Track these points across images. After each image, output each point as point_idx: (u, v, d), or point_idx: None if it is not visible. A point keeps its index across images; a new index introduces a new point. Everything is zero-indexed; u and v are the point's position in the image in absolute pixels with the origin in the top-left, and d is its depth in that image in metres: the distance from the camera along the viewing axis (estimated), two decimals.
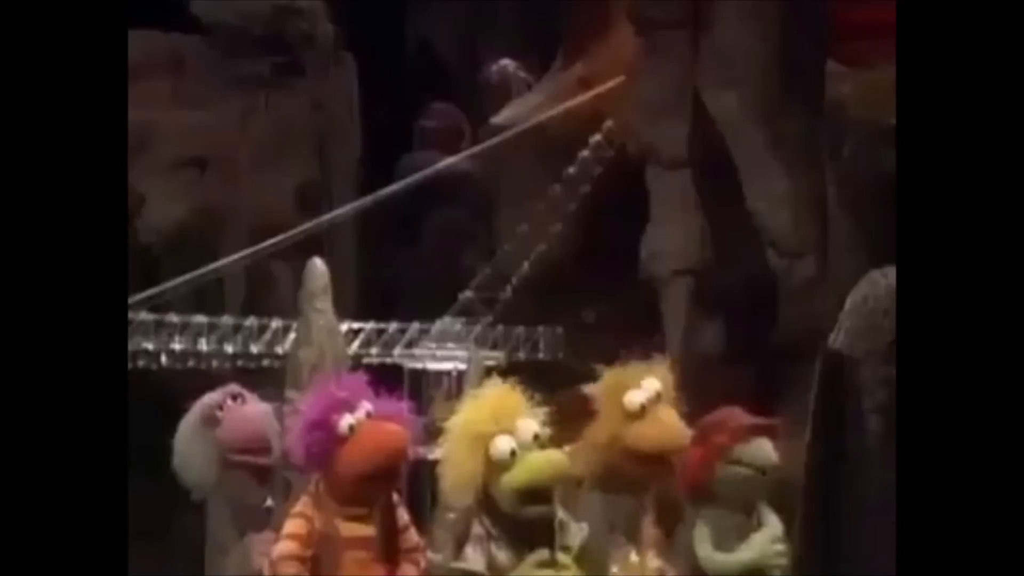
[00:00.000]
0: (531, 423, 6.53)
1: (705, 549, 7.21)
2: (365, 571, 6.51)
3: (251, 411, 7.44)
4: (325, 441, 6.52)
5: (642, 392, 7.00)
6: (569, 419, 6.97)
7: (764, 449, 7.36)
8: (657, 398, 7.00)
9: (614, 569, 6.76)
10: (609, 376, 7.09)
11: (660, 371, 7.10)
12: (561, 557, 6.50)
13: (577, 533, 6.62)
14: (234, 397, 7.48)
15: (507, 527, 6.47)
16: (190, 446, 7.40)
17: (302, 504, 6.60)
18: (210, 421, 7.36)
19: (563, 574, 6.47)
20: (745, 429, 7.34)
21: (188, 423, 7.46)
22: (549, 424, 6.65)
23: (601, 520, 6.81)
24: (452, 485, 6.59)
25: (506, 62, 18.31)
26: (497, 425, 6.49)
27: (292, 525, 6.56)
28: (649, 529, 6.95)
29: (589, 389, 7.09)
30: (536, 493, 6.44)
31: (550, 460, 6.51)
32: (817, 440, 5.27)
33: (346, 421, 6.53)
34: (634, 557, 6.82)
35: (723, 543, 7.20)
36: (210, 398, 7.49)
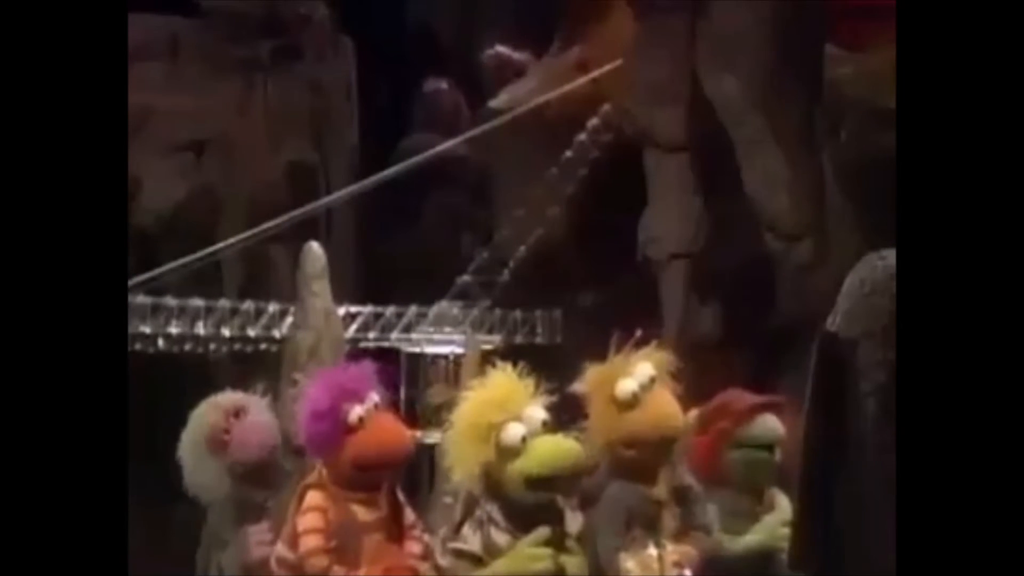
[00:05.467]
0: (538, 410, 6.50)
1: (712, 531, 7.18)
2: (383, 552, 6.52)
3: (256, 426, 7.39)
4: (333, 430, 6.53)
5: (634, 380, 6.81)
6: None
7: (768, 425, 7.30)
8: (651, 384, 6.83)
9: (630, 564, 6.65)
10: (595, 370, 6.90)
11: (656, 356, 6.96)
12: (568, 542, 6.47)
13: (573, 521, 6.59)
14: (235, 414, 7.42)
15: (511, 513, 6.44)
16: (199, 467, 7.39)
17: (311, 498, 6.56)
18: (218, 445, 7.35)
19: (562, 557, 6.45)
20: (747, 409, 7.31)
21: (193, 444, 7.42)
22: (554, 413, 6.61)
23: (617, 514, 6.70)
24: (462, 474, 6.56)
25: (501, 49, 18.29)
26: (506, 413, 6.46)
27: (309, 520, 6.52)
28: (669, 521, 6.82)
29: (576, 387, 6.90)
30: (547, 481, 6.42)
31: (565, 448, 6.46)
32: (814, 422, 5.25)
33: (356, 412, 6.54)
34: (652, 550, 6.70)
35: (733, 526, 7.17)
36: (214, 422, 7.43)
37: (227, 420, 7.40)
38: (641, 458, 6.77)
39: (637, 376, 6.78)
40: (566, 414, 6.84)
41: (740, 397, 7.42)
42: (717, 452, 7.21)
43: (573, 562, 6.48)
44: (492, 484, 6.44)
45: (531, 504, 6.43)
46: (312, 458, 6.78)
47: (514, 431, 6.40)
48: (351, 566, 6.47)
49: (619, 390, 6.73)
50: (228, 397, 7.63)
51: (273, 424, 7.48)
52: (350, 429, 6.53)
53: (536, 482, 6.39)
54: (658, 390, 6.81)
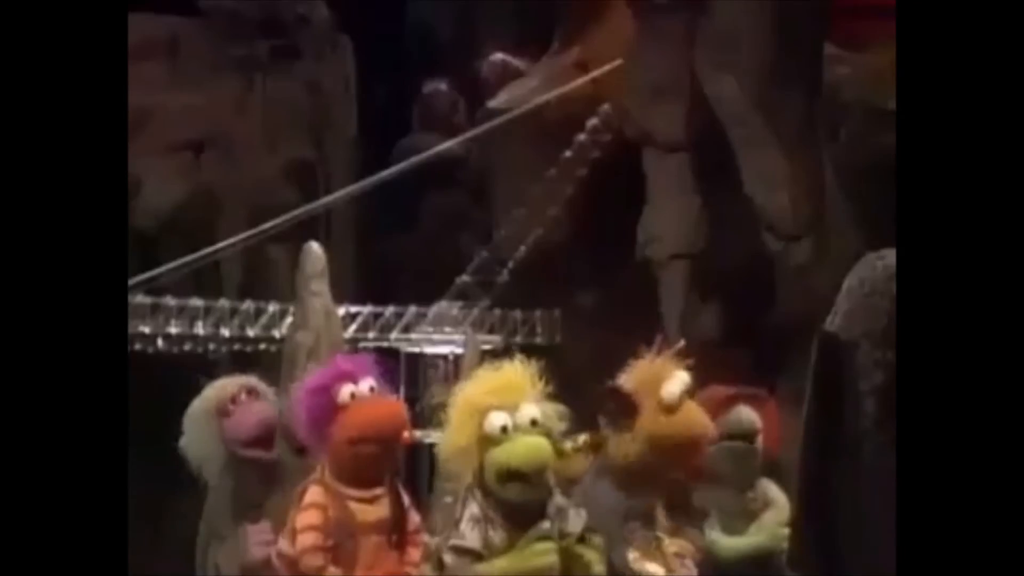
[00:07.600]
0: (533, 408, 6.46)
1: (712, 533, 7.18)
2: (381, 555, 6.52)
3: (260, 408, 7.42)
4: (325, 408, 6.55)
5: (677, 383, 6.81)
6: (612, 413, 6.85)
7: (742, 417, 7.31)
8: (689, 390, 6.84)
9: (633, 553, 6.65)
10: (641, 369, 6.88)
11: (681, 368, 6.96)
12: (570, 538, 6.47)
13: (576, 519, 6.58)
14: (249, 391, 7.45)
15: (497, 506, 6.44)
16: (198, 432, 7.42)
17: (312, 495, 6.55)
18: (221, 412, 7.37)
19: (578, 548, 6.44)
20: (723, 401, 7.32)
21: (199, 408, 7.45)
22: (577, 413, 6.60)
23: (613, 509, 6.70)
24: (446, 453, 6.56)
25: (499, 56, 18.30)
26: (495, 399, 6.44)
27: (308, 517, 6.52)
28: (663, 520, 6.83)
29: (620, 382, 6.89)
30: (515, 475, 6.40)
31: (531, 446, 6.42)
32: (814, 422, 5.26)
33: (347, 390, 6.55)
34: (652, 542, 6.70)
35: (731, 525, 7.17)
36: (224, 389, 7.46)
37: (239, 392, 7.43)
38: (664, 460, 6.76)
39: (679, 380, 6.77)
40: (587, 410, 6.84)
41: (716, 391, 7.42)
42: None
43: (590, 554, 6.48)
44: (481, 475, 6.44)
45: (512, 499, 6.41)
46: (308, 444, 6.79)
47: (496, 419, 6.37)
48: (347, 567, 6.46)
49: (666, 393, 6.71)
50: (246, 378, 7.66)
51: (274, 411, 7.49)
52: (340, 408, 6.55)
53: (506, 474, 6.37)
54: (689, 400, 6.83)
